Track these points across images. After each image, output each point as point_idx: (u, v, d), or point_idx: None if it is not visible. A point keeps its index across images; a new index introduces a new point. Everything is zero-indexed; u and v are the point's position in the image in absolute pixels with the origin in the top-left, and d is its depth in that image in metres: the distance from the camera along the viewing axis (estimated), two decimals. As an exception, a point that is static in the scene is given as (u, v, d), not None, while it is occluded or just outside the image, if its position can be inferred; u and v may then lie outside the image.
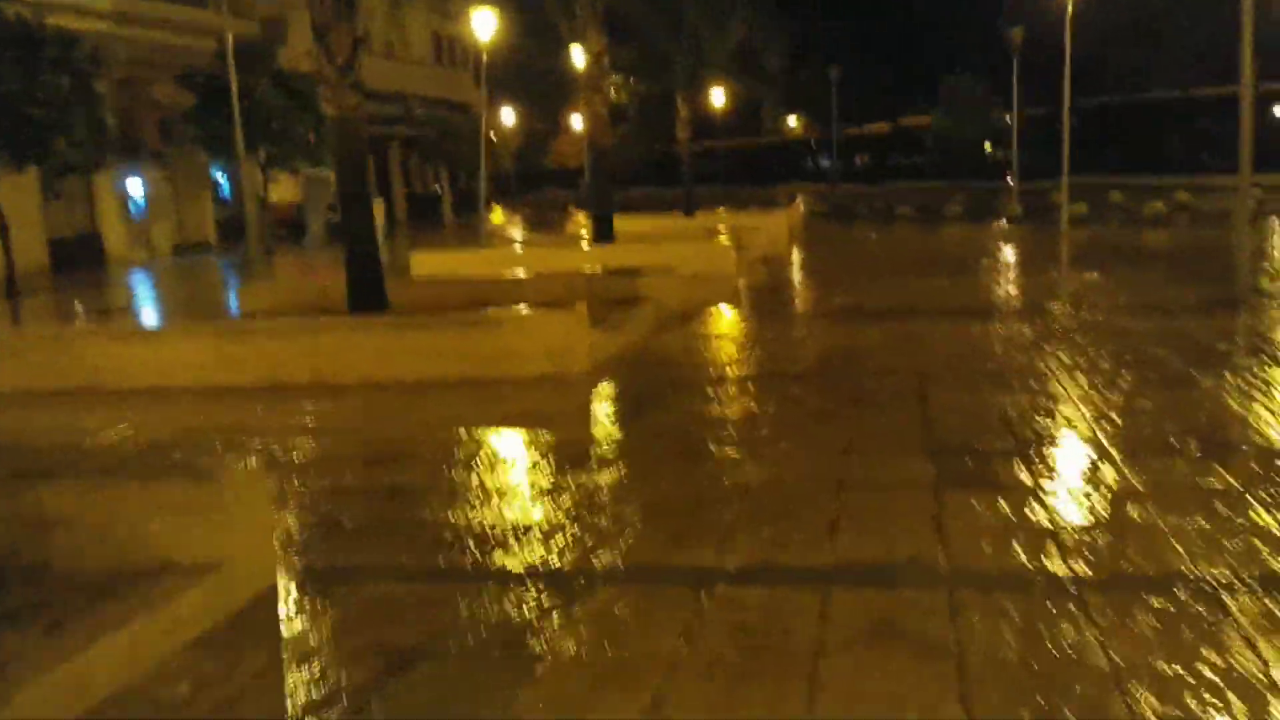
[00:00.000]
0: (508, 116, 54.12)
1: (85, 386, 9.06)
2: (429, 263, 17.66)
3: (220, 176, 32.77)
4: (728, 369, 8.86)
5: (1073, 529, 4.56)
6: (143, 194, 29.08)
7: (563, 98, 50.89)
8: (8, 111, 17.38)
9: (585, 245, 18.87)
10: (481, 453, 6.40)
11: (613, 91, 28.14)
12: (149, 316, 15.76)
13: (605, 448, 6.44)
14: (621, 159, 59.94)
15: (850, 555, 4.35)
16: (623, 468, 5.89)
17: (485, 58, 23.58)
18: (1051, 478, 5.31)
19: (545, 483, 5.64)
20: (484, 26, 22.97)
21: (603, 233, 18.28)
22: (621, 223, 23.99)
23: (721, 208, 33.05)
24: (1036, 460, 5.61)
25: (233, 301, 16.50)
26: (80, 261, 24.96)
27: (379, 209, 38.07)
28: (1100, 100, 43.25)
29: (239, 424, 7.70)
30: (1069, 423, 6.40)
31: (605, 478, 5.68)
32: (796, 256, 20.50)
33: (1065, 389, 7.34)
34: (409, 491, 5.65)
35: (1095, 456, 5.65)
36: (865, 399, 7.41)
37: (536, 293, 12.41)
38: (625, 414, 7.53)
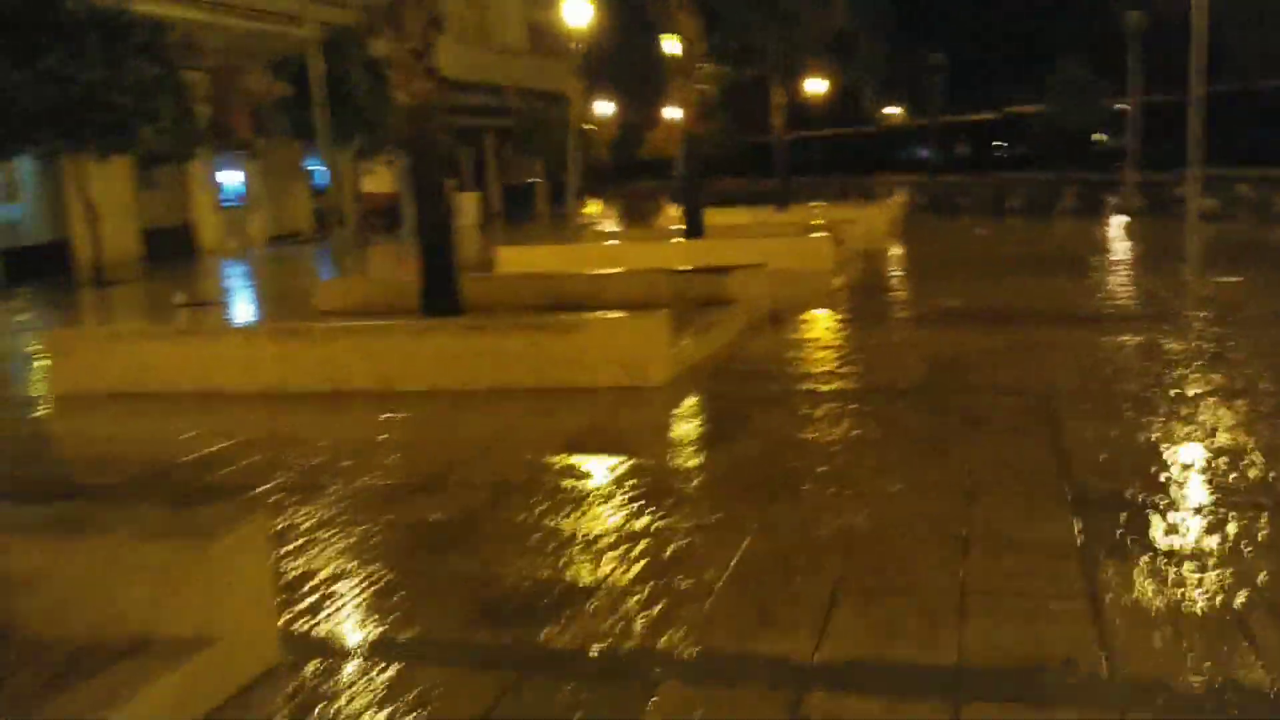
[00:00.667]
0: (604, 107, 53.45)
1: (135, 390, 8.58)
2: (515, 258, 17.03)
3: (317, 166, 32.77)
4: (823, 382, 7.96)
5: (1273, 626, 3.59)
6: (237, 184, 29.19)
7: (656, 88, 50.12)
8: (93, 100, 17.24)
9: (675, 240, 18.03)
10: (540, 484, 5.64)
11: (706, 79, 27.24)
12: (226, 311, 15.43)
13: (680, 482, 5.61)
14: (715, 149, 58.89)
15: (985, 652, 3.45)
16: (699, 509, 5.07)
17: (579, 45, 22.98)
18: (1232, 541, 4.32)
19: (608, 529, 4.85)
20: (578, 13, 22.32)
21: (693, 227, 17.43)
22: (714, 215, 23.09)
23: (818, 200, 31.91)
24: (1206, 517, 4.62)
25: (315, 297, 16.10)
26: (173, 252, 25.04)
27: (474, 201, 38.08)
28: (1222, 88, 40.76)
29: (284, 434, 7.08)
30: (1238, 463, 5.36)
31: (678, 522, 4.86)
32: (897, 252, 19.37)
33: (1223, 418, 6.28)
34: (450, 535, 4.91)
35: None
36: (985, 424, 6.45)
37: (619, 291, 11.64)
38: (706, 437, 6.70)
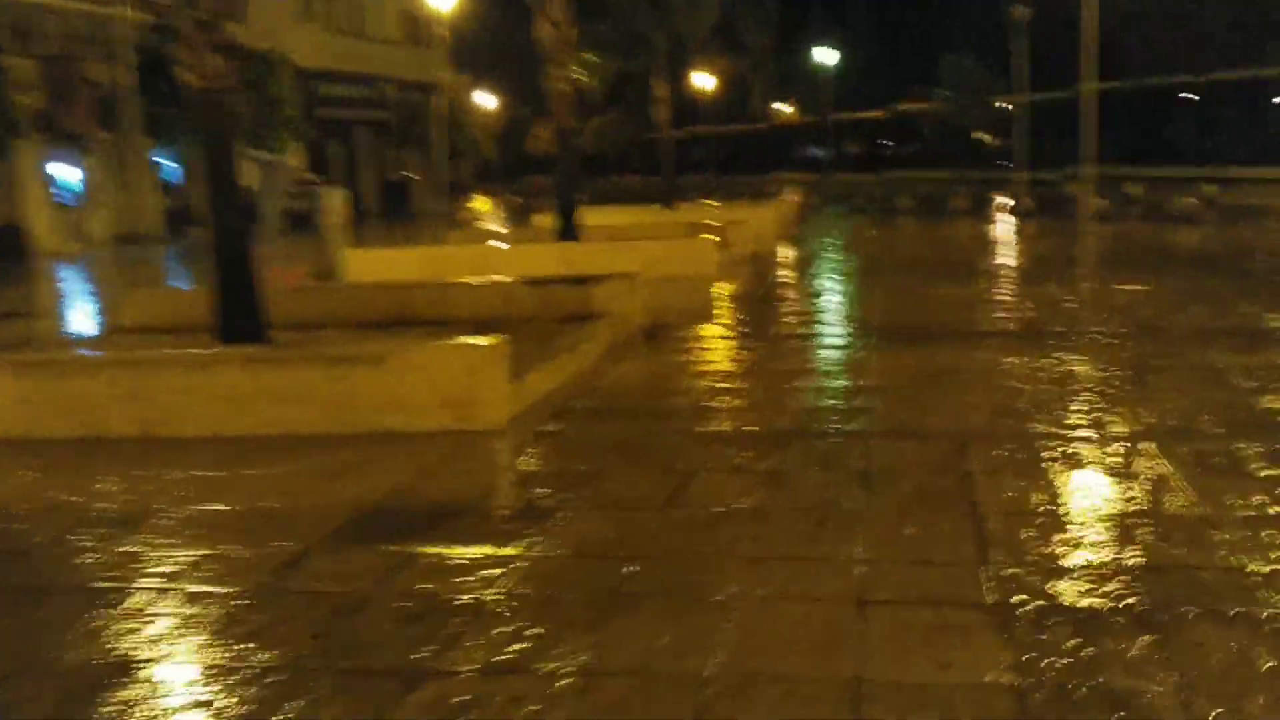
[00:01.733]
0: (487, 100, 51.48)
1: None
2: (366, 263, 15.36)
3: (168, 162, 30.29)
4: (695, 422, 6.60)
5: None
6: (76, 180, 26.66)
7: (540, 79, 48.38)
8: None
9: (548, 243, 16.55)
10: (281, 600, 4.13)
11: (583, 70, 25.86)
12: (28, 325, 13.41)
13: (498, 583, 4.15)
14: (604, 144, 57.62)
15: None
16: (519, 638, 3.62)
17: (448, 32, 21.36)
18: (1215, 678, 3.06)
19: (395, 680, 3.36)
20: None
21: (567, 228, 15.97)
22: (595, 215, 21.66)
23: (708, 198, 30.80)
24: (1173, 629, 3.37)
25: (119, 311, 14.15)
26: (2, 253, 22.58)
27: (341, 198, 35.89)
28: (1106, 85, 40.95)
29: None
30: (1201, 539, 4.16)
31: (486, 653, 3.41)
32: (788, 255, 18.25)
33: (1171, 472, 5.10)
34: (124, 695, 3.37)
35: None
36: (886, 485, 5.16)
37: (472, 304, 10.14)
38: (541, 510, 5.20)
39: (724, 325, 10.60)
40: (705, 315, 11.16)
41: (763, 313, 11.24)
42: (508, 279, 11.39)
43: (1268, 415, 6.22)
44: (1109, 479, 5.12)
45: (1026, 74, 33.05)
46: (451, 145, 46.69)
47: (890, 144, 56.79)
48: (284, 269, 20.60)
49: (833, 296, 12.27)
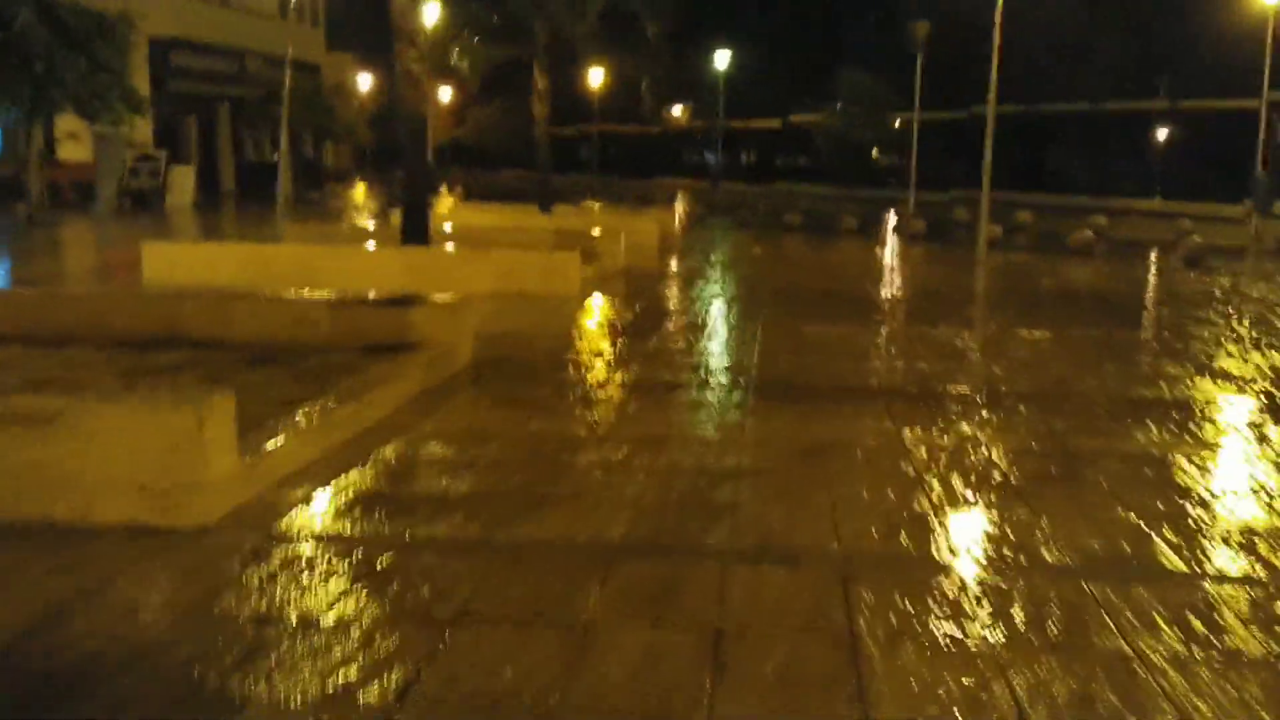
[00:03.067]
0: (365, 81, 48.62)
1: None
2: (170, 258, 13.15)
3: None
4: (496, 525, 4.83)
5: None
6: None
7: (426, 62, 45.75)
8: None
9: (390, 247, 14.57)
10: None
11: (463, 55, 23.88)
12: None
13: None
14: (486, 138, 55.28)
15: None
16: None
17: (323, 4, 19.12)
18: None
19: None
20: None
21: (414, 230, 14.05)
22: (463, 214, 19.81)
23: (592, 200, 29.13)
24: None
25: None
26: None
27: (188, 175, 33.01)
28: (1005, 109, 40.64)
29: None
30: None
31: None
32: (665, 272, 16.64)
33: (1132, 651, 3.56)
34: None
35: None
36: (745, 658, 3.49)
37: (256, 327, 8.20)
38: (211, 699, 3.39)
39: (573, 364, 8.85)
40: (556, 348, 9.41)
41: (623, 350, 9.53)
42: (314, 294, 9.45)
43: (1240, 537, 4.76)
44: (1039, 638, 3.54)
45: (923, 91, 32.24)
46: (327, 128, 43.91)
47: (785, 156, 55.96)
48: (117, 252, 18.16)
49: (706, 333, 10.65)
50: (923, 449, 6.20)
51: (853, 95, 45.01)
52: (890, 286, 15.82)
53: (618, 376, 8.30)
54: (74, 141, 30.35)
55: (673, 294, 14.11)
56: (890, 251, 22.22)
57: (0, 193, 25.75)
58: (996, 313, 13.51)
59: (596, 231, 17.00)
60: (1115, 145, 41.48)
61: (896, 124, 44.11)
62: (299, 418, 5.60)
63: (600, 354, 9.27)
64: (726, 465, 5.85)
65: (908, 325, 11.73)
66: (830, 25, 49.72)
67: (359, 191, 44.33)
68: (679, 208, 32.12)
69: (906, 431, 6.59)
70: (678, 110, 55.10)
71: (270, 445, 5.20)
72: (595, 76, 37.22)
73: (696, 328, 10.87)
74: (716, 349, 9.73)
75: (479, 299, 12.14)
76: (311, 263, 12.86)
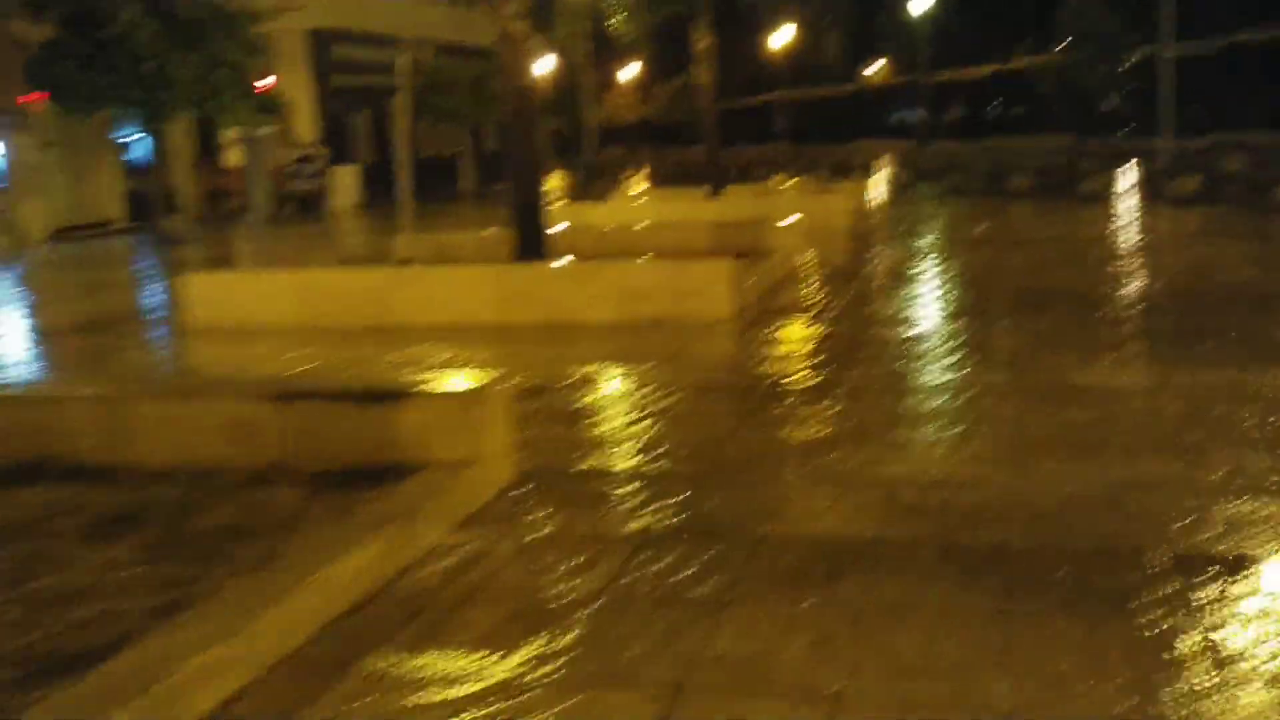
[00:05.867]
0: (547, 63, 45.98)
1: None
2: (216, 293, 10.45)
3: (135, 137, 25.93)
4: None
5: None
6: (-1, 162, 22.48)
7: (608, 45, 42.82)
8: None
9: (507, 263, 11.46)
10: None
11: (617, 21, 20.66)
12: None
13: None
14: (677, 112, 51.94)
15: None
16: None
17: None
18: None
19: None
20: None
21: (528, 242, 10.89)
22: (596, 213, 16.73)
23: (780, 176, 25.51)
24: None
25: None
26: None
27: (352, 175, 31.33)
28: (1269, 34, 33.85)
29: None
30: None
31: None
32: (859, 268, 12.92)
33: None
34: None
35: None
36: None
37: (169, 439, 5.24)
38: None
39: (700, 475, 5.46)
40: (674, 441, 6.02)
41: (789, 432, 6.02)
42: (248, 387, 6.47)
43: None
44: None
45: (1173, 20, 26.72)
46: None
47: (1000, 107, 50.07)
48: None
49: (913, 386, 7.01)
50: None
51: (1080, 30, 39.05)
52: (1178, 282, 11.29)
53: (763, 477, 4.81)
54: (235, 149, 29.11)
55: (868, 308, 10.39)
56: (1165, 223, 17.32)
57: (141, 206, 24.39)
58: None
59: (771, 218, 13.49)
60: None
61: (1135, 58, 37.95)
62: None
63: (750, 462, 5.75)
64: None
65: (1234, 366, 7.33)
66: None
67: (556, 181, 41.70)
68: (878, 177, 27.99)
69: (1243, 596, 2.85)
70: (876, 67, 50.15)
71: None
72: (785, 34, 33.20)
73: (901, 374, 7.21)
74: (930, 421, 6.07)
75: (590, 332, 8.96)
76: (383, 293, 9.94)
